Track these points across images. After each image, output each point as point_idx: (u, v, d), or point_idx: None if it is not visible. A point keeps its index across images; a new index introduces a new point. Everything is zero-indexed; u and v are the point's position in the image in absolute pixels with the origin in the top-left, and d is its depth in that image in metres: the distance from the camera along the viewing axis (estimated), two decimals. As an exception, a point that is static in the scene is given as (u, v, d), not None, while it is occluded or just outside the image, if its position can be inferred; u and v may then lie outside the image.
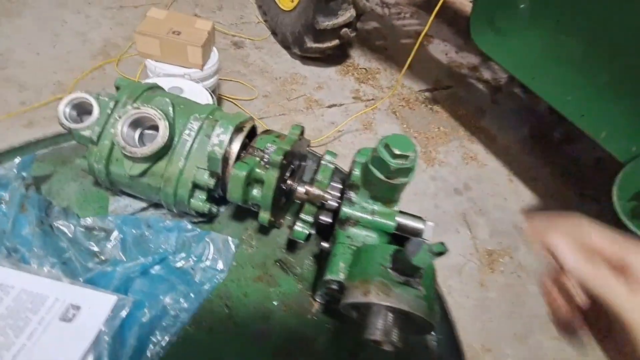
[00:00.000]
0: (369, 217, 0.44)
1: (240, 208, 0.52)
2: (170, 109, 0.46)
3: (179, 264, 0.48)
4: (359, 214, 0.44)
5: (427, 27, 2.06)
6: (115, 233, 0.48)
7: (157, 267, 0.47)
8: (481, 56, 3.09)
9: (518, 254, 1.90)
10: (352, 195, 0.44)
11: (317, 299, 0.49)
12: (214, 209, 0.50)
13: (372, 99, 2.52)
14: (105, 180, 0.49)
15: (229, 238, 0.51)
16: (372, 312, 0.36)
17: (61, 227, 0.46)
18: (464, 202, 2.08)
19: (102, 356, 0.37)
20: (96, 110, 0.46)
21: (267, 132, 0.52)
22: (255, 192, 0.47)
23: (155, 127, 0.45)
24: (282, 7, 2.50)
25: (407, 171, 0.41)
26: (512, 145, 2.45)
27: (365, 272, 0.38)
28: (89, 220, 0.49)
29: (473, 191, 2.14)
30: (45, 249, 0.43)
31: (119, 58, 2.23)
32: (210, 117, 0.49)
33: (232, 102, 2.20)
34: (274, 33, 2.71)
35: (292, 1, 2.47)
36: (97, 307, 0.40)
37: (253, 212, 0.51)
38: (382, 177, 0.41)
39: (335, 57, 2.64)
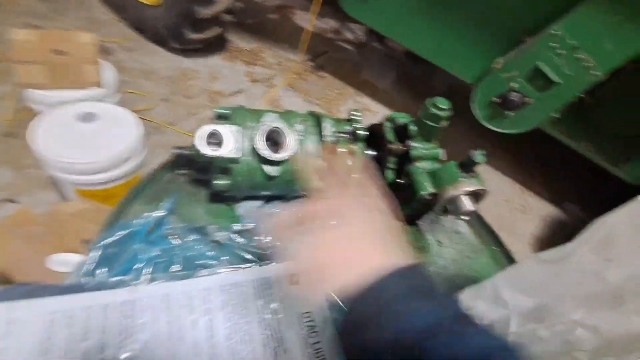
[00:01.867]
0: (427, 152, 0.65)
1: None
2: (282, 120, 0.56)
3: None
4: (422, 152, 0.64)
5: None
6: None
7: None
8: (338, 20, 3.46)
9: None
10: (414, 143, 0.64)
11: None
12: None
13: (268, 78, 2.62)
14: (245, 189, 0.56)
15: None
16: (460, 198, 0.59)
17: (222, 238, 0.52)
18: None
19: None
20: (231, 137, 0.52)
21: (334, 119, 0.66)
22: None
23: (274, 137, 0.54)
24: (145, 2, 2.27)
25: (447, 118, 0.63)
26: (389, 91, 2.95)
27: (448, 179, 0.60)
28: (237, 227, 0.55)
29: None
30: (231, 255, 0.50)
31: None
32: (301, 118, 0.60)
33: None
34: (139, 30, 2.45)
35: (155, -7, 2.27)
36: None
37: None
38: (434, 124, 0.62)
39: (215, 44, 2.59)
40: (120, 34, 2.42)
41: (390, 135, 0.63)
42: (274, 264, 0.51)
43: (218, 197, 0.60)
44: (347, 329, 0.33)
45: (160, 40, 2.38)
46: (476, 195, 0.60)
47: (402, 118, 0.68)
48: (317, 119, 0.62)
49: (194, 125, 2.13)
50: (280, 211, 0.40)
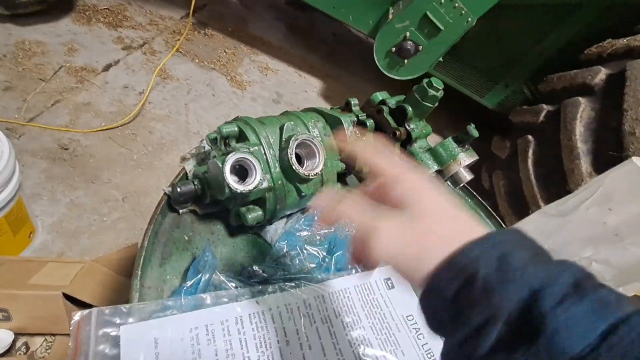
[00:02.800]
0: (423, 131, 0.68)
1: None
2: (298, 128, 0.49)
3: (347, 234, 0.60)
4: (418, 132, 0.67)
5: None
6: (298, 248, 0.53)
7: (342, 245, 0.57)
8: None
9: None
10: (412, 124, 0.66)
11: None
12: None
13: (145, 43, 2.18)
14: (279, 215, 0.49)
15: None
16: (461, 171, 0.66)
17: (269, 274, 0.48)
18: (284, 106, 2.41)
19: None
20: (257, 162, 0.42)
21: (332, 111, 0.61)
22: None
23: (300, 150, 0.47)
24: None
25: (440, 97, 0.66)
26: (281, 44, 2.82)
27: (449, 156, 0.65)
28: (272, 256, 0.50)
29: (284, 96, 2.47)
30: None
31: None
32: (313, 120, 0.54)
33: (-27, 117, 1.44)
34: None
35: None
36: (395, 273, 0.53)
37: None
38: (432, 105, 0.65)
39: (59, 4, 1.98)
40: None
41: (391, 121, 0.63)
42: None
43: (237, 229, 0.52)
44: (464, 297, 0.27)
45: (-31, 2, 1.68)
46: (470, 166, 0.67)
47: (393, 99, 0.68)
48: (325, 116, 0.56)
49: (66, 116, 1.67)
50: (346, 193, 0.34)
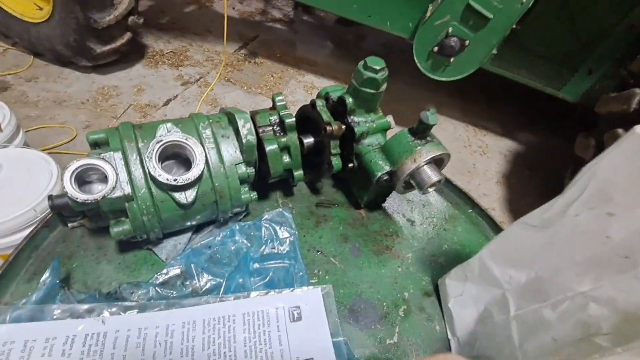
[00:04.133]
0: (374, 125, 0.54)
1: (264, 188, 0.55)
2: (179, 129, 0.42)
3: (266, 252, 0.49)
4: (366, 127, 0.54)
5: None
6: (193, 267, 0.45)
7: (255, 265, 0.47)
8: (263, 0, 3.23)
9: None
10: (355, 118, 0.53)
11: (360, 205, 0.60)
12: (255, 195, 0.51)
13: (200, 77, 2.40)
14: (155, 229, 0.42)
15: (279, 209, 0.55)
16: (422, 170, 0.49)
17: (141, 297, 0.40)
18: (328, 123, 2.36)
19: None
20: (110, 168, 0.37)
21: (255, 112, 0.53)
22: (286, 159, 0.51)
23: (178, 154, 0.40)
24: (29, 20, 1.95)
25: (386, 79, 0.52)
26: (328, 61, 2.81)
27: (403, 152, 0.50)
28: (159, 278, 0.43)
29: (328, 111, 2.43)
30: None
31: None
32: (211, 120, 0.47)
33: (57, 152, 1.74)
34: (36, 54, 2.13)
35: (40, 8, 1.95)
36: (312, 300, 0.43)
37: (270, 185, 0.55)
38: (373, 90, 0.51)
39: (131, 52, 2.32)
40: (13, 63, 2.09)
41: (325, 115, 0.52)
42: (276, 293, 0.43)
43: (130, 244, 0.46)
44: None
45: (64, 60, 2.08)
46: (438, 161, 0.51)
47: (334, 91, 0.56)
48: (228, 117, 0.49)
49: (128, 146, 1.90)
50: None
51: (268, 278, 0.46)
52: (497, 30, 1.70)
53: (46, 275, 0.38)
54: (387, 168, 0.51)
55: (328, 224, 0.57)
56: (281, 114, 0.51)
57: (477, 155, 2.39)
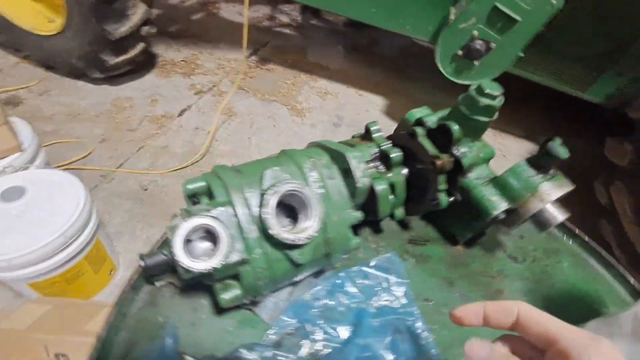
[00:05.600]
0: (480, 155, 0.48)
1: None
2: (288, 174, 0.36)
3: (381, 303, 0.43)
4: (473, 157, 0.48)
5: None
6: (308, 326, 0.39)
7: (374, 320, 0.41)
8: (270, 5, 3.16)
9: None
10: (461, 148, 0.47)
11: (459, 241, 0.54)
12: (359, 240, 0.45)
13: (213, 86, 2.33)
14: (266, 291, 0.37)
15: (388, 255, 0.49)
16: (547, 209, 0.44)
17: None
18: (346, 129, 2.29)
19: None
20: (223, 229, 0.31)
21: (348, 144, 0.47)
22: (391, 197, 0.45)
23: (287, 202, 0.34)
24: (41, 33, 1.87)
25: (498, 107, 0.46)
26: (340, 66, 2.75)
27: (525, 189, 0.44)
28: (272, 337, 0.37)
29: (344, 118, 2.36)
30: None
31: None
32: (313, 159, 0.41)
33: (74, 168, 1.67)
34: (48, 67, 2.06)
35: (52, 21, 1.88)
36: None
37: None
38: (487, 119, 0.45)
39: (143, 62, 2.25)
40: (27, 77, 2.01)
41: (429, 146, 0.46)
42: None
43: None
44: None
45: (77, 73, 2.01)
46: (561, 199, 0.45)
47: (433, 116, 0.50)
48: (329, 153, 0.42)
49: (147, 160, 1.83)
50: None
51: (390, 337, 0.40)
52: (525, 32, 1.65)
53: (166, 343, 0.32)
54: (504, 206, 0.45)
55: (427, 265, 0.51)
56: (382, 147, 0.45)
57: (498, 159, 2.33)
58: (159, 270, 0.37)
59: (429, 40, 1.96)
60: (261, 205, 0.34)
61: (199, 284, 0.41)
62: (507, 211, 0.45)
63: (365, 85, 2.60)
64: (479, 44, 1.71)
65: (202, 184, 0.37)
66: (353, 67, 2.74)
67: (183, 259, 0.31)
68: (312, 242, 0.37)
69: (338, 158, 0.41)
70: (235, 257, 0.33)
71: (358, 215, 0.41)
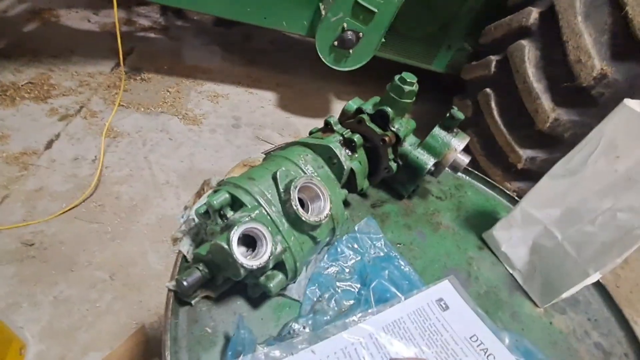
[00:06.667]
0: (409, 128, 0.65)
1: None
2: (292, 171, 0.43)
3: (371, 256, 0.57)
4: (405, 130, 0.64)
5: None
6: (330, 290, 0.48)
7: (372, 268, 0.54)
8: (123, 8, 2.84)
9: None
10: (396, 124, 0.62)
11: (404, 196, 0.71)
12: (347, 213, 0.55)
13: (82, 107, 2.03)
14: (300, 271, 0.44)
15: (365, 219, 0.61)
16: (458, 157, 0.63)
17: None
18: (246, 129, 2.31)
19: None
20: (264, 228, 0.36)
21: (314, 137, 0.56)
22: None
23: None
24: None
25: (417, 91, 0.63)
26: (221, 66, 2.71)
27: (443, 146, 0.63)
28: (307, 308, 0.45)
29: (242, 118, 2.37)
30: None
31: None
32: (301, 155, 0.48)
33: None
34: None
35: None
36: (447, 291, 0.51)
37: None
38: (410, 100, 0.61)
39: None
40: None
41: (376, 128, 0.59)
42: (420, 292, 0.48)
43: (258, 299, 0.46)
44: None
45: None
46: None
47: (368, 104, 0.63)
48: (312, 147, 0.51)
49: (20, 210, 1.51)
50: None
51: (388, 278, 0.52)
52: (383, 21, 1.96)
53: (242, 336, 0.36)
54: (432, 161, 0.62)
55: (390, 220, 0.65)
56: (345, 135, 0.56)
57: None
58: (196, 286, 0.40)
59: (306, 35, 2.13)
60: (287, 200, 0.41)
61: (229, 290, 0.45)
62: (434, 164, 0.62)
63: (251, 82, 2.63)
64: (350, 35, 1.96)
65: (225, 196, 0.41)
66: (233, 66, 2.73)
67: (244, 260, 0.36)
68: (325, 224, 0.46)
69: (322, 150, 0.50)
70: (279, 248, 0.39)
71: (345, 191, 0.51)
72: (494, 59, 1.85)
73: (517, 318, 0.56)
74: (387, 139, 0.57)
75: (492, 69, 1.85)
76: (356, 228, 0.59)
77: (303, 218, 0.40)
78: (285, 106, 2.54)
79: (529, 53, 1.68)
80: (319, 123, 0.62)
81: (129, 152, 1.89)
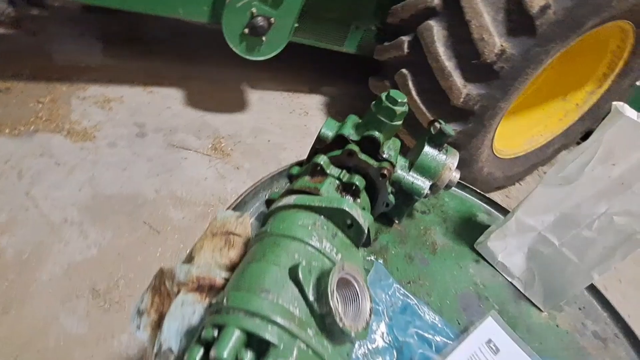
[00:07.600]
0: (397, 150, 0.56)
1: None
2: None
3: (388, 305, 0.47)
4: (395, 155, 0.55)
5: None
6: None
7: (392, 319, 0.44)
8: None
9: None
10: (386, 150, 0.53)
11: (396, 221, 0.63)
12: None
13: None
14: None
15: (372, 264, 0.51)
16: (453, 176, 0.58)
17: None
18: (154, 136, 1.96)
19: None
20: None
21: (302, 187, 0.42)
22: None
23: None
24: None
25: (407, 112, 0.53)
26: (104, 62, 2.22)
27: (438, 166, 0.56)
28: None
29: (146, 124, 2.00)
30: None
31: None
32: (309, 227, 0.34)
33: None
34: None
35: None
36: (493, 332, 0.47)
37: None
38: (400, 122, 0.52)
39: None
40: None
41: (369, 160, 0.48)
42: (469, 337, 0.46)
43: None
44: None
45: None
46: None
47: (349, 129, 0.52)
48: (318, 211, 0.38)
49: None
50: None
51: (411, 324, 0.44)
52: (294, 4, 1.81)
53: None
54: (428, 184, 0.54)
55: (390, 253, 0.57)
56: (344, 180, 0.44)
57: (303, 116, 2.62)
58: None
59: (209, 22, 1.84)
60: (328, 313, 0.28)
61: None
62: (431, 187, 0.55)
63: (149, 79, 2.22)
64: (261, 21, 1.76)
65: (237, 335, 0.25)
66: (122, 61, 2.27)
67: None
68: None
69: (333, 214, 0.37)
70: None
71: (361, 253, 0.40)
72: (405, 39, 1.87)
73: (533, 331, 0.55)
74: (386, 171, 0.47)
75: (405, 49, 1.88)
76: (368, 281, 0.49)
77: (352, 334, 0.28)
78: (196, 103, 2.22)
79: (437, 33, 1.74)
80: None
81: (1, 191, 1.42)
